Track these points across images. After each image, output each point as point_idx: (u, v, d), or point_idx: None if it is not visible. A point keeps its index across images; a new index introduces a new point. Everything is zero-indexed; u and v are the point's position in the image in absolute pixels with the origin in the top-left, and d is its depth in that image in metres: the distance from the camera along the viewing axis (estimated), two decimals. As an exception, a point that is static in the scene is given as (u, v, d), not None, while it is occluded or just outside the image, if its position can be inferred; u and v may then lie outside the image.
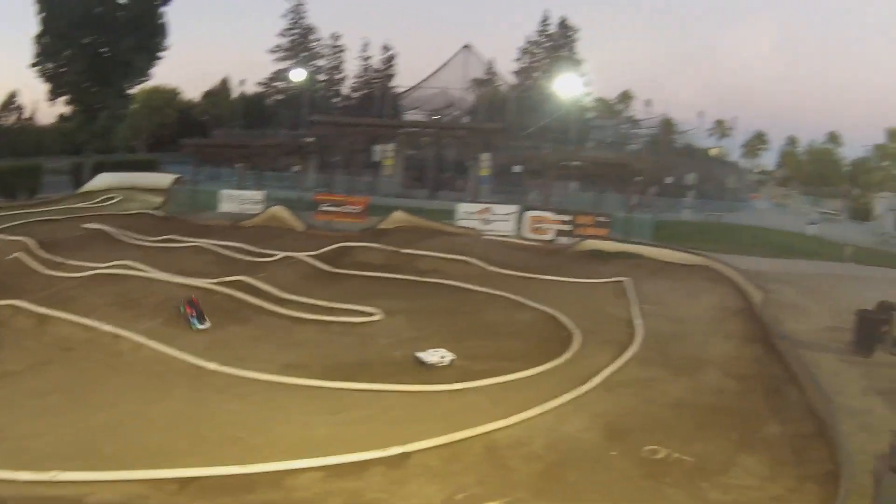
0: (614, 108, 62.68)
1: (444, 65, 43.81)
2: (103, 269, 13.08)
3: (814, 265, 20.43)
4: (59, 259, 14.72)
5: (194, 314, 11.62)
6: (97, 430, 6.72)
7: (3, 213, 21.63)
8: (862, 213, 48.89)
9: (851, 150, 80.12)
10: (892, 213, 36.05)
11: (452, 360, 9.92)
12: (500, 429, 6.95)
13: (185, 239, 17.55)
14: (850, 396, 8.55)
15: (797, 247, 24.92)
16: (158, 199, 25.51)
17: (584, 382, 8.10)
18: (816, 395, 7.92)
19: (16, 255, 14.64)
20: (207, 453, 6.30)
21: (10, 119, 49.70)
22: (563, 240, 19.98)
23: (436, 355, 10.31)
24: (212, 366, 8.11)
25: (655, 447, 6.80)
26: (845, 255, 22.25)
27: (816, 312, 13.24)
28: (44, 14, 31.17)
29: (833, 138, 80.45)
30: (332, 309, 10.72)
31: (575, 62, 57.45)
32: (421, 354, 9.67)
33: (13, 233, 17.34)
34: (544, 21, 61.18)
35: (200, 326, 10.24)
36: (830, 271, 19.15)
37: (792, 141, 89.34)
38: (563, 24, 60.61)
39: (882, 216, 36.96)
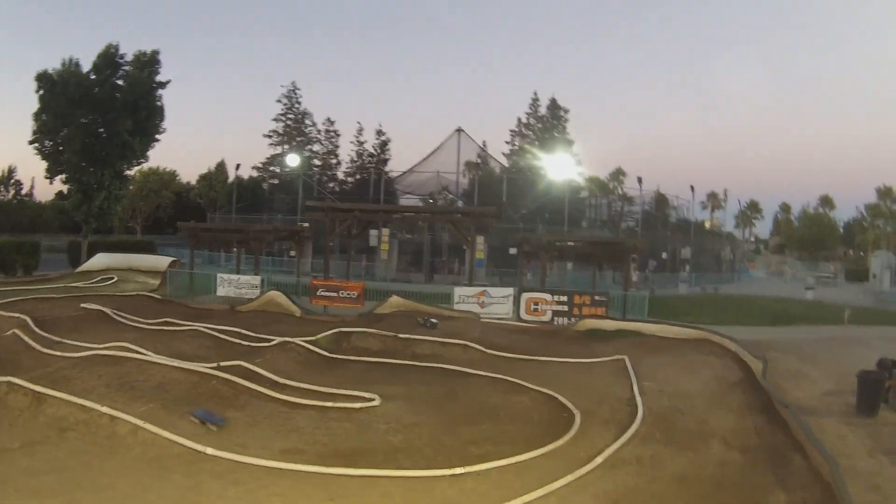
0: (607, 186, 63.04)
1: (437, 148, 43.95)
2: (101, 349, 12.97)
3: (813, 330, 20.49)
4: (56, 338, 14.63)
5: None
6: (90, 511, 6.55)
7: (1, 289, 21.52)
8: (858, 274, 49.19)
9: (844, 212, 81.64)
10: (887, 272, 36.38)
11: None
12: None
13: (183, 322, 17.52)
14: (856, 458, 8.50)
15: (796, 313, 25.05)
16: (155, 282, 25.60)
17: (586, 463, 8.07)
18: (822, 460, 7.85)
19: (13, 331, 14.59)
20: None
21: (9, 195, 49.34)
22: (561, 320, 20.09)
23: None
24: (209, 450, 8.04)
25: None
26: (846, 318, 22.33)
27: (818, 378, 13.23)
28: (42, 92, 30.94)
29: (826, 202, 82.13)
30: (329, 394, 10.67)
31: (567, 142, 57.42)
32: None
33: (10, 309, 17.26)
34: (534, 102, 60.87)
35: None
36: (830, 335, 19.18)
37: (785, 208, 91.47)
38: (554, 105, 60.00)
39: (878, 275, 37.25)
